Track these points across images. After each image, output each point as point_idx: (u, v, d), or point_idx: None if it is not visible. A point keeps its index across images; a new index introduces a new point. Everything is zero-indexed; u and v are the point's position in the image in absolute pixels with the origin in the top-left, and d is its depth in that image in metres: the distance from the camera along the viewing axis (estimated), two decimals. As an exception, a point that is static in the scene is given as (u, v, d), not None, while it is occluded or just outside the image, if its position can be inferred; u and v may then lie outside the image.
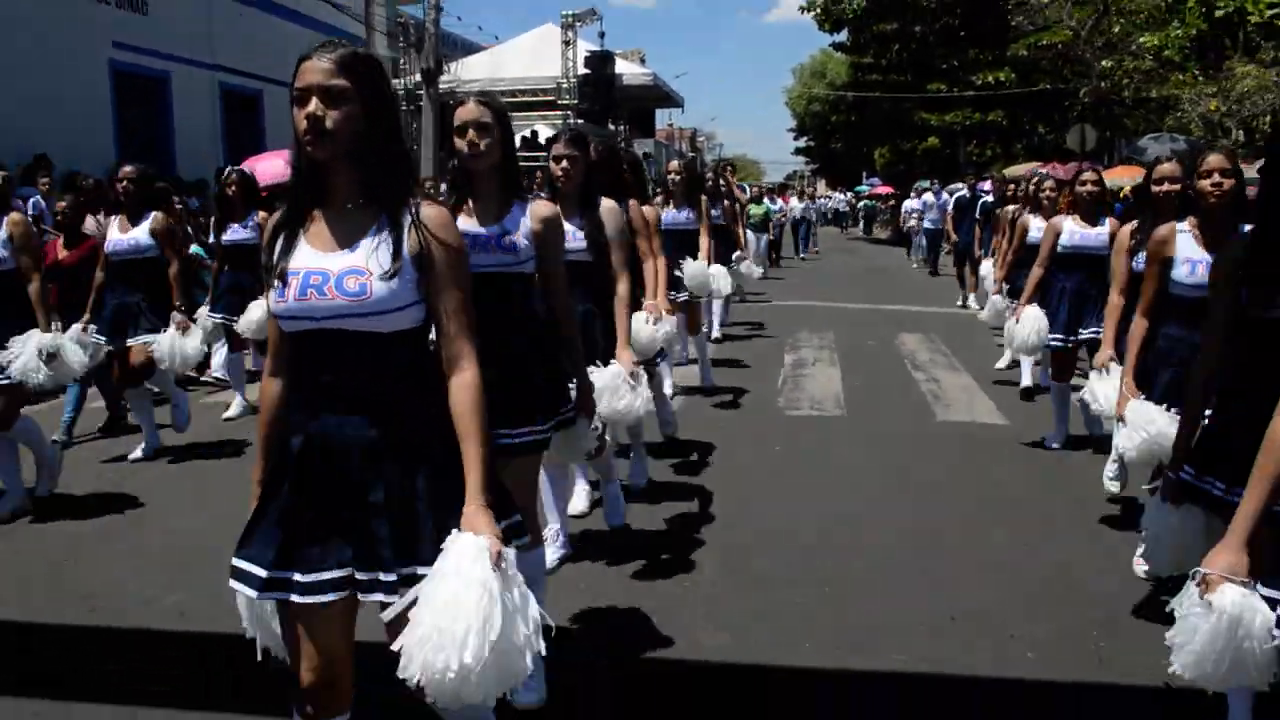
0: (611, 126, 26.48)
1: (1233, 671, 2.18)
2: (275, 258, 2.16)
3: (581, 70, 23.19)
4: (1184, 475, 2.85)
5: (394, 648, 1.92)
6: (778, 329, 12.16)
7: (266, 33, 19.58)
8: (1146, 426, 3.75)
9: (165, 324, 6.30)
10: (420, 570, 2.01)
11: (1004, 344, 7.85)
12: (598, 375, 3.78)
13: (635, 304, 4.84)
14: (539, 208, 3.26)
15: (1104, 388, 4.49)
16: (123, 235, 6.33)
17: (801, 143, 57.76)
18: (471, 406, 2.14)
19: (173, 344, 6.26)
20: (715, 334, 10.85)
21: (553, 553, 4.43)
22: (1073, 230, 6.12)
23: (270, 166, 10.71)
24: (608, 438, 4.24)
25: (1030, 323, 6.22)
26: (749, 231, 16.21)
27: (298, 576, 2.11)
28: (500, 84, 25.24)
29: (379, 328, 2.10)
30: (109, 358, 6.33)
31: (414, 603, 1.94)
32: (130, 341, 6.35)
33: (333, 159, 2.11)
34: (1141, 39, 18.88)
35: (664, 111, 39.36)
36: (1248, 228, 3.41)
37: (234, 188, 7.17)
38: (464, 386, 2.15)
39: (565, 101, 23.38)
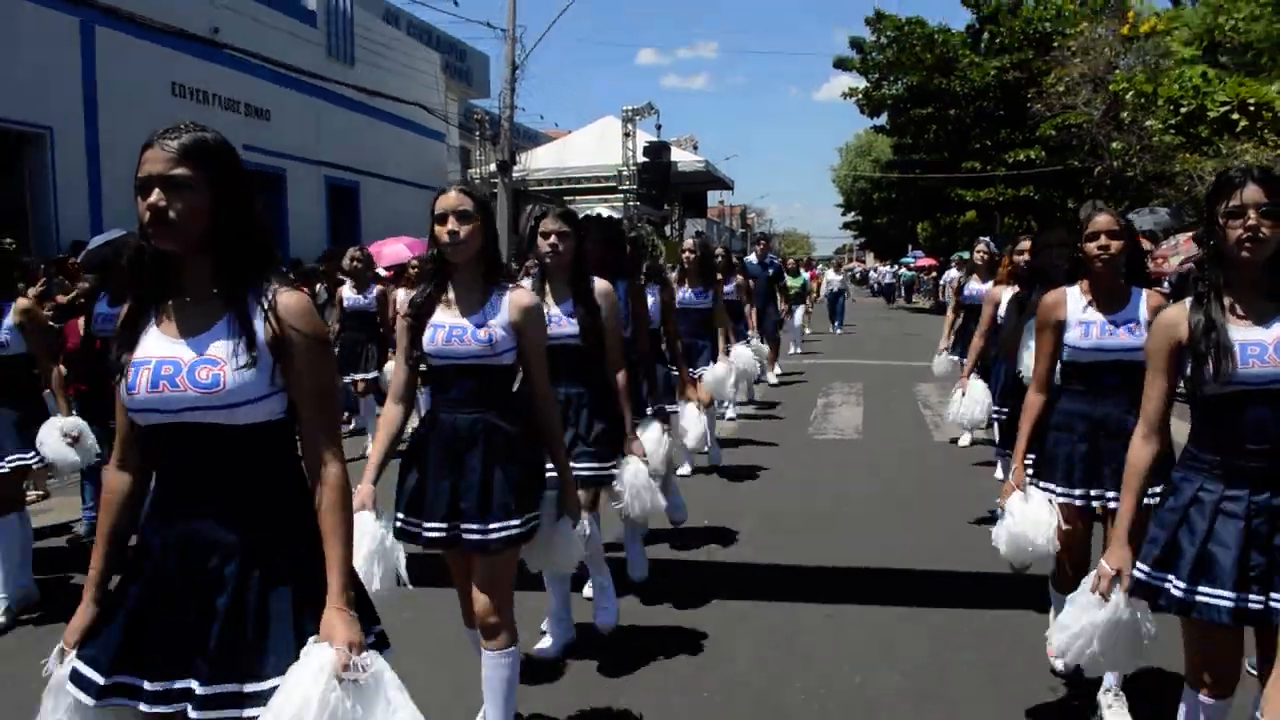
0: (666, 208, 28.90)
1: None
2: (123, 348, 2.07)
3: (640, 159, 25.62)
4: (1174, 587, 2.63)
5: None
6: (815, 381, 14.20)
7: (365, 133, 22.35)
8: (1021, 525, 3.60)
9: None
10: (248, 688, 1.95)
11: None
12: (626, 471, 3.97)
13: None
14: (518, 297, 3.18)
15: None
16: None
17: (849, 217, 59.94)
18: (334, 505, 2.06)
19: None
20: (731, 412, 10.70)
21: (552, 641, 4.35)
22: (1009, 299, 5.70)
23: (393, 250, 12.98)
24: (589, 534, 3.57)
25: (976, 396, 6.11)
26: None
27: (145, 685, 2.00)
28: (566, 172, 27.84)
29: (234, 420, 2.00)
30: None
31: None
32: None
33: (180, 250, 2.02)
34: (1149, 122, 20.78)
35: (716, 191, 41.84)
36: (1145, 293, 3.57)
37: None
38: (330, 484, 2.07)
39: (625, 188, 25.73)
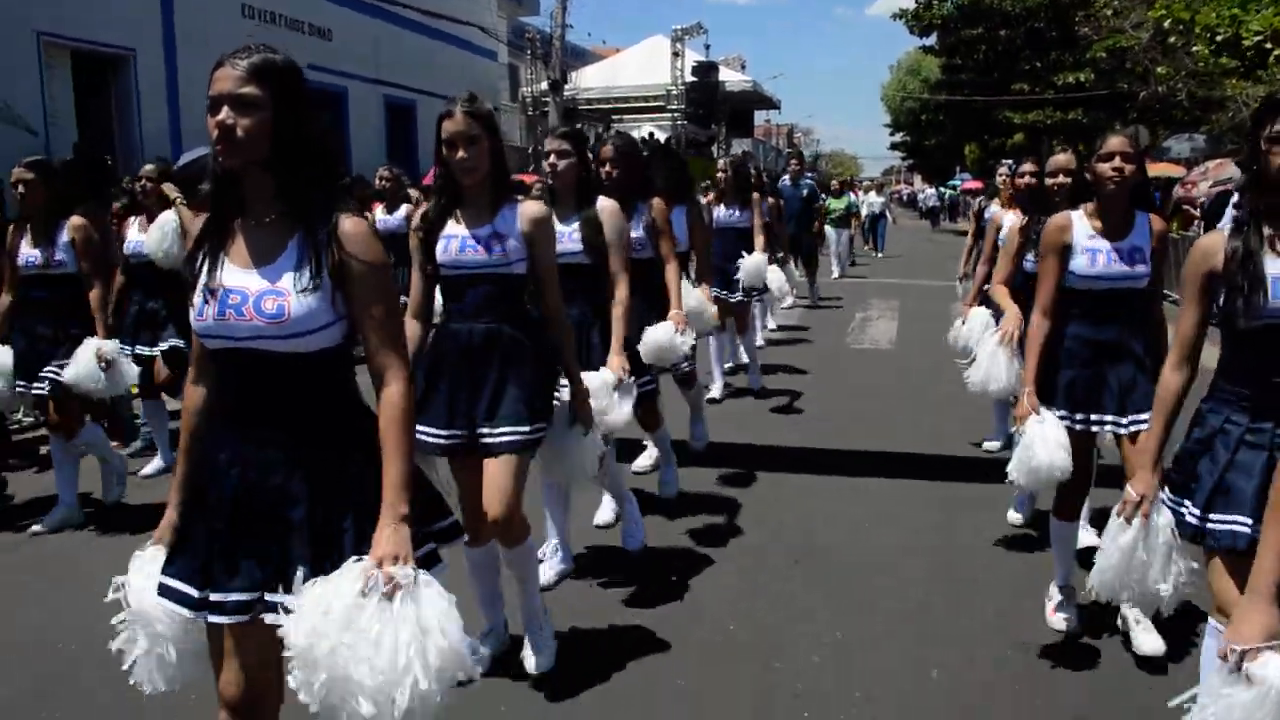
0: (713, 127, 29.29)
1: None
2: (197, 272, 2.13)
3: (689, 78, 25.97)
4: (1189, 513, 2.61)
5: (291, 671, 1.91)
6: (854, 299, 14.93)
7: (422, 52, 22.99)
8: (1037, 453, 3.53)
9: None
10: None
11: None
12: (585, 379, 3.58)
13: (655, 307, 4.71)
14: (529, 208, 3.25)
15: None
16: (143, 237, 5.85)
17: (897, 138, 59.53)
18: (395, 421, 2.11)
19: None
20: (760, 340, 10.00)
21: (550, 568, 4.30)
22: (1012, 224, 5.47)
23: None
24: (605, 450, 3.67)
25: (975, 323, 5.63)
26: (829, 228, 16.90)
27: (214, 596, 2.09)
28: (615, 91, 28.24)
29: (299, 348, 2.07)
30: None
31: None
32: (151, 350, 5.92)
33: (245, 168, 2.07)
34: (1195, 48, 20.80)
35: (762, 110, 41.96)
36: (1149, 217, 3.56)
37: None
38: (389, 401, 2.12)
39: (674, 107, 26.13)
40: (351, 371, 2.20)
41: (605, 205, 3.98)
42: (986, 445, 6.44)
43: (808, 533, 5.03)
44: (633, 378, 3.92)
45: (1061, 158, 4.47)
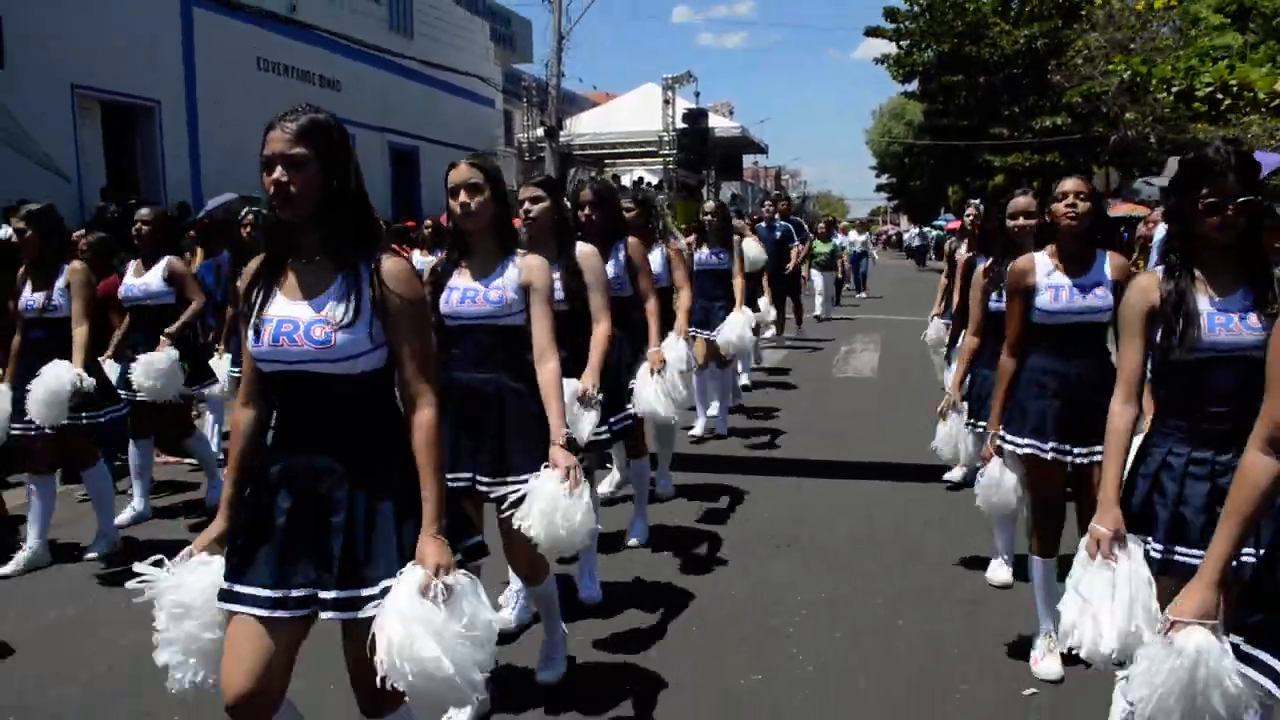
0: (703, 171, 30.27)
1: (1189, 715, 2.06)
2: (253, 306, 2.35)
3: (680, 124, 26.95)
4: (1151, 549, 2.69)
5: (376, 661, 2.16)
6: (839, 333, 15.82)
7: (425, 102, 24.01)
8: (994, 490, 3.91)
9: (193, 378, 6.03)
10: (364, 592, 2.27)
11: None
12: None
13: (635, 342, 4.86)
14: (529, 260, 3.36)
15: (945, 432, 4.75)
16: (135, 280, 5.96)
17: (883, 180, 60.73)
18: (427, 444, 2.33)
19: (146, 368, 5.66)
20: (745, 380, 10.08)
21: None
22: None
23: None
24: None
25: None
26: (814, 270, 16.90)
27: (266, 593, 2.30)
28: (608, 136, 29.20)
29: (343, 371, 2.29)
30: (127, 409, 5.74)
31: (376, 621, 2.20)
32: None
33: (297, 219, 2.29)
34: (1160, 95, 21.87)
35: (750, 154, 43.05)
36: (1108, 254, 3.69)
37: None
38: (421, 425, 2.34)
39: (665, 152, 27.09)
40: (391, 393, 2.45)
41: (582, 250, 4.07)
42: (947, 476, 6.51)
43: (788, 523, 5.83)
44: (600, 395, 3.99)
45: (1021, 200, 4.53)
